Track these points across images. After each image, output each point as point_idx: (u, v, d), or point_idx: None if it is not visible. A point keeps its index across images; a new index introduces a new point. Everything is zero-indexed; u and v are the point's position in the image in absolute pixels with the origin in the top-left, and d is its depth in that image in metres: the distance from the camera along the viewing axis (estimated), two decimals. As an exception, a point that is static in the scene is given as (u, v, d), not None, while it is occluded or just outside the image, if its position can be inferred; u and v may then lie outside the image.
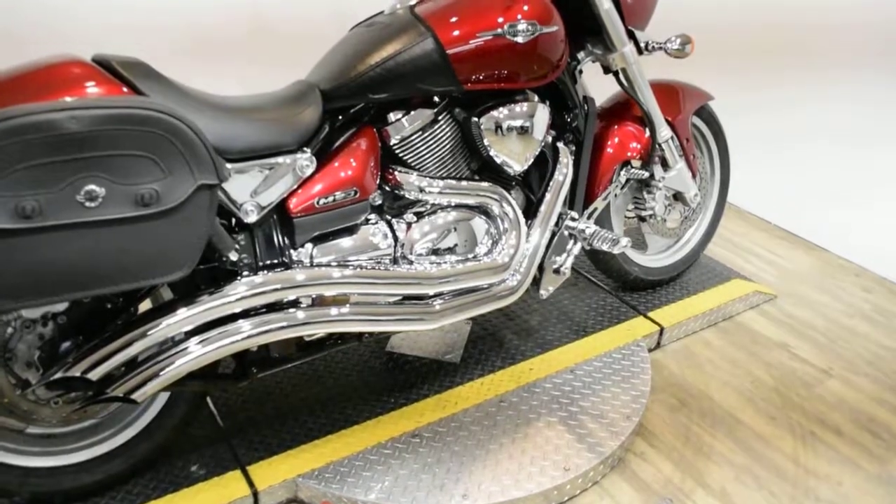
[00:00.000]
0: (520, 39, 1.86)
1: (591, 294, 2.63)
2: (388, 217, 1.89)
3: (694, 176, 2.50)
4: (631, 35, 2.19)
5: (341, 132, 1.82)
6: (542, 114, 2.00)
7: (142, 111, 1.34)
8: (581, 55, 2.21)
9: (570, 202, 2.21)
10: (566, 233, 2.17)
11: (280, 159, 1.68)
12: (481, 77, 1.87)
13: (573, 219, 2.17)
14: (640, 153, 2.33)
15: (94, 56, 1.54)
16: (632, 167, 2.34)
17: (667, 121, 2.36)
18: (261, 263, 1.70)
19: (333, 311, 1.73)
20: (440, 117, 1.91)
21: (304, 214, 1.72)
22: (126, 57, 1.58)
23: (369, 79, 1.79)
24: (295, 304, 1.71)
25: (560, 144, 2.13)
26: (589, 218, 2.23)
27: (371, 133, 1.84)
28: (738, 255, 3.08)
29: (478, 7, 1.87)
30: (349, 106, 1.83)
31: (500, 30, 1.84)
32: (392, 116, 1.88)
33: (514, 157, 1.98)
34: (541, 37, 1.89)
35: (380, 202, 1.89)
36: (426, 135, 1.90)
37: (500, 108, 1.93)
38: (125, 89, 1.48)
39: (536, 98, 2.02)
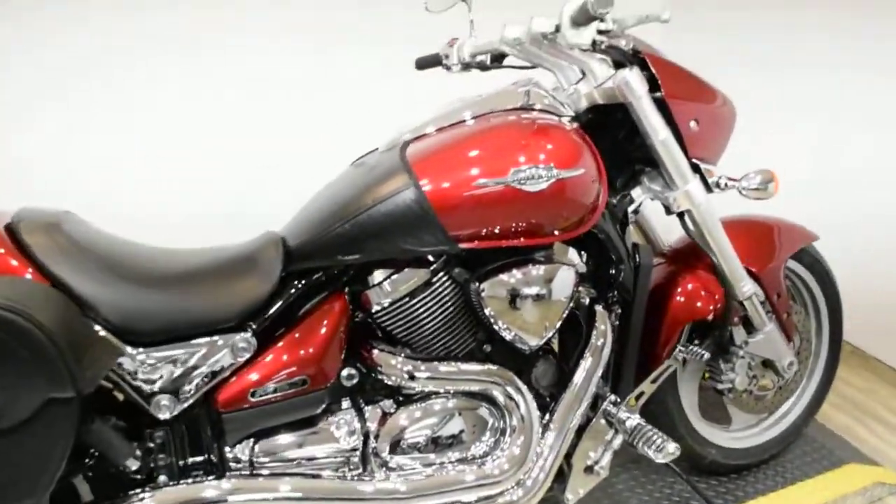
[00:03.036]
0: (529, 188, 1.46)
1: (655, 478, 2.11)
2: (360, 405, 1.51)
3: (789, 339, 1.97)
4: (696, 169, 1.73)
5: (303, 302, 1.47)
6: (566, 275, 1.58)
7: None
8: (637, 192, 1.77)
9: (614, 380, 1.74)
10: (603, 420, 1.70)
11: (209, 341, 1.35)
12: (481, 234, 1.48)
13: (614, 403, 1.70)
14: (712, 314, 1.84)
15: (17, 212, 1.31)
16: (694, 339, 1.85)
17: (749, 272, 1.86)
18: (182, 464, 1.36)
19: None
20: (435, 279, 1.53)
21: (236, 410, 1.37)
22: (50, 213, 1.34)
23: (337, 235, 1.45)
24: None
25: (598, 308, 1.68)
26: (636, 401, 1.75)
27: (341, 302, 1.48)
28: (857, 422, 2.45)
29: (478, 147, 1.49)
30: (317, 268, 1.49)
31: (501, 178, 1.45)
32: (374, 278, 1.52)
33: (527, 330, 1.56)
34: (560, 183, 1.48)
35: (350, 385, 1.52)
36: (416, 302, 1.52)
37: (508, 271, 1.53)
38: (14, 262, 1.21)
39: (562, 253, 1.60)
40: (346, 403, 1.50)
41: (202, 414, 1.38)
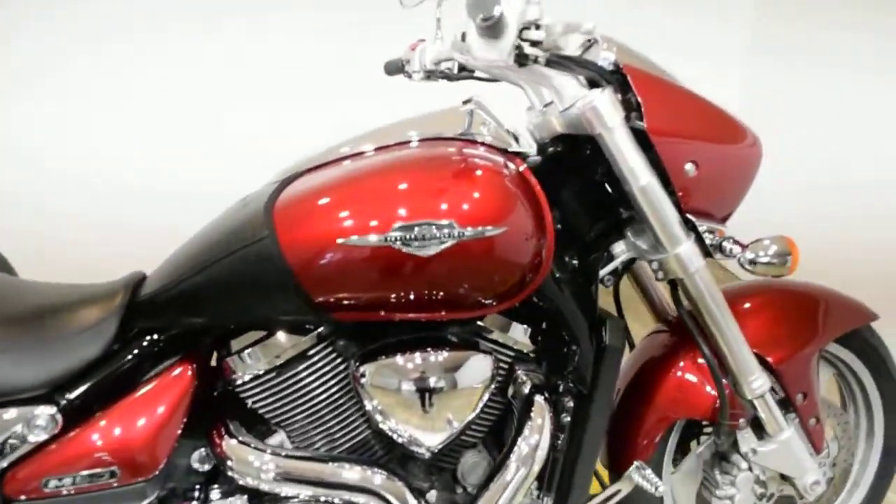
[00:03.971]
0: (416, 251, 1.10)
1: None
2: (209, 499, 1.22)
3: (817, 451, 1.51)
4: (693, 228, 1.31)
5: (140, 369, 1.19)
6: (480, 360, 1.22)
7: None
8: (620, 248, 1.36)
9: (563, 489, 1.36)
10: (534, 542, 1.33)
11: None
12: (360, 303, 1.15)
13: None
14: (710, 412, 1.42)
15: None
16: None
17: (762, 361, 1.42)
18: None
19: None
20: (313, 352, 1.22)
21: (27, 499, 1.12)
22: None
23: (184, 290, 1.17)
24: None
25: (538, 398, 1.30)
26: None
27: (184, 372, 1.19)
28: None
29: (360, 191, 1.15)
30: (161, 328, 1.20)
31: (379, 235, 1.10)
32: (238, 342, 1.22)
33: (423, 428, 1.21)
34: (463, 246, 1.12)
35: (204, 470, 1.23)
36: (287, 377, 1.22)
37: (399, 353, 1.19)
38: None
39: (494, 325, 1.25)
40: (187, 495, 1.21)
41: None
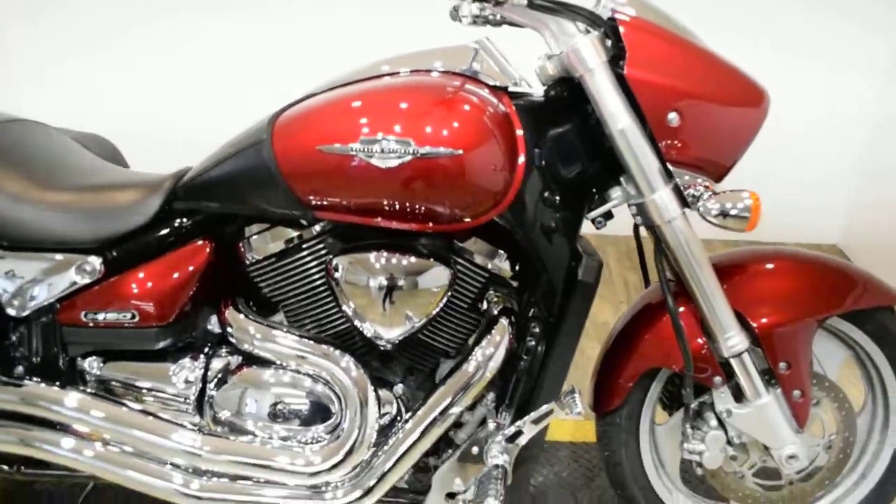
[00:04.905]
0: (378, 162, 1.26)
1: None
2: (210, 354, 1.47)
3: (800, 425, 1.48)
4: (672, 177, 1.35)
5: (170, 241, 1.46)
6: (443, 274, 1.36)
7: None
8: (616, 194, 1.41)
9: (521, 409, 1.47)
10: (476, 448, 1.44)
11: (59, 257, 1.42)
12: (339, 206, 1.33)
13: (495, 432, 1.44)
14: (679, 363, 1.45)
15: None
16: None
17: (747, 324, 1.42)
18: (35, 362, 1.47)
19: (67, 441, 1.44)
20: (306, 245, 1.42)
21: (72, 325, 1.43)
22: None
23: (201, 181, 1.42)
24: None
25: (503, 320, 1.41)
26: (513, 441, 1.44)
27: (202, 249, 1.45)
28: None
29: (343, 107, 1.32)
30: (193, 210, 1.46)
31: (347, 145, 1.27)
32: (248, 230, 1.46)
33: (383, 324, 1.39)
34: (420, 162, 1.26)
35: (215, 332, 1.49)
36: (283, 265, 1.43)
37: (371, 252, 1.36)
38: None
39: (472, 246, 1.40)
40: (199, 348, 1.47)
41: (49, 321, 1.46)
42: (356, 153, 1.27)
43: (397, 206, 1.31)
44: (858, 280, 1.49)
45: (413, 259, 1.36)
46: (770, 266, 1.50)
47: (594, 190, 1.42)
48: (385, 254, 1.36)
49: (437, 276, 1.37)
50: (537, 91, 1.42)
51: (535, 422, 1.41)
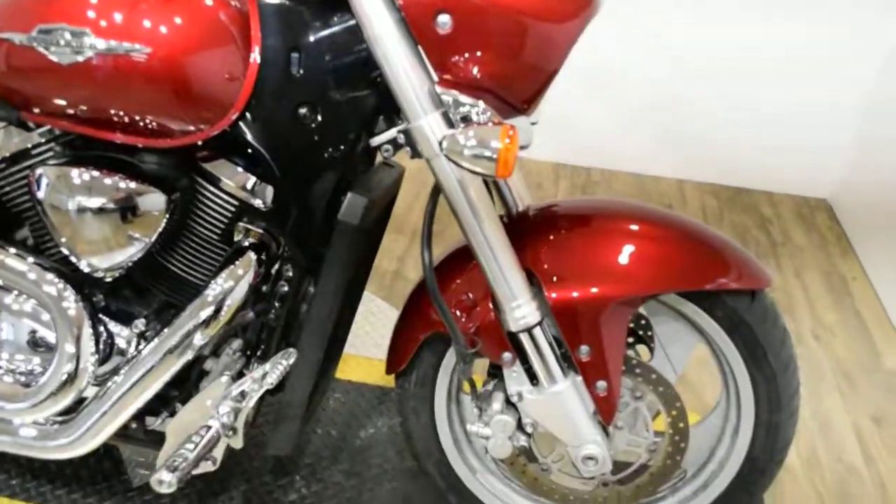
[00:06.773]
0: (55, 57, 1.02)
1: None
2: None
3: (606, 421, 1.20)
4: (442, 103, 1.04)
5: None
6: (155, 200, 1.12)
7: None
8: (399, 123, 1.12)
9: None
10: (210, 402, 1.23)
11: None
12: (42, 108, 1.11)
13: (239, 376, 1.22)
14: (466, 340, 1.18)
15: None
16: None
17: (536, 289, 1.14)
18: None
19: None
20: (35, 152, 1.20)
21: None
22: None
23: None
24: None
25: (250, 253, 1.17)
26: (264, 379, 1.21)
27: None
28: None
29: None
30: None
31: (21, 33, 1.02)
32: None
33: (98, 250, 1.16)
34: (105, 59, 1.01)
35: None
36: (11, 172, 1.23)
37: (76, 168, 1.13)
38: None
39: (216, 169, 1.16)
40: None
41: None
42: (35, 44, 1.02)
43: (105, 115, 1.07)
44: (714, 254, 1.16)
45: (128, 180, 1.12)
46: (602, 224, 1.18)
47: (380, 114, 1.13)
48: (92, 170, 1.13)
49: (155, 201, 1.13)
50: None
51: (258, 381, 1.18)
